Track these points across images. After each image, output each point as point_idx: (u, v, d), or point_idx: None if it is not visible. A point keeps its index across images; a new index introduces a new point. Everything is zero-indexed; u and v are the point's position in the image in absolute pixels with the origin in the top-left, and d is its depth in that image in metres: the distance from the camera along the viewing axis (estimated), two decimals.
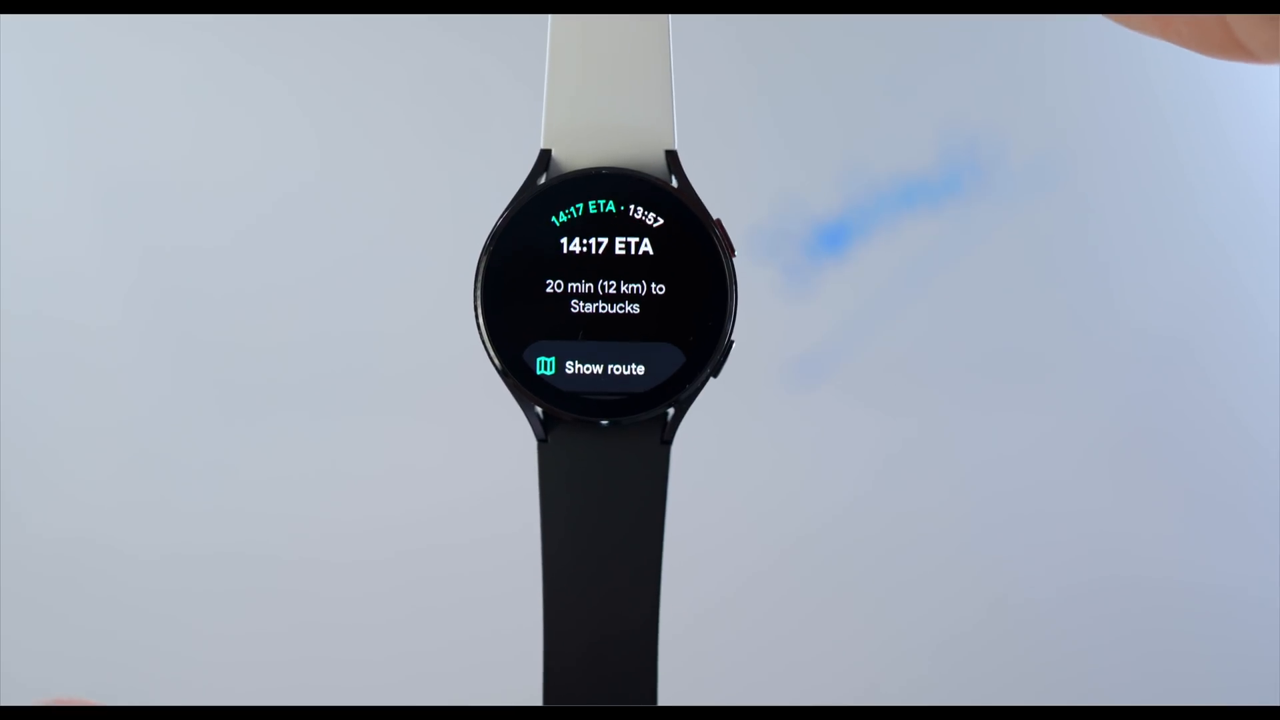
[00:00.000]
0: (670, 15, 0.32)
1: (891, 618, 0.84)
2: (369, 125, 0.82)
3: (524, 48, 0.72)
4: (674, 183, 0.32)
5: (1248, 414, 0.85)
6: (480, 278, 0.31)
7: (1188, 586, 0.84)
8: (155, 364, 0.82)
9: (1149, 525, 0.84)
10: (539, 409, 0.32)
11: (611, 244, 0.31)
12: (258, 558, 0.81)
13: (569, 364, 0.31)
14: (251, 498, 0.82)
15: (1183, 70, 0.84)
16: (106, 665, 0.81)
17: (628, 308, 0.31)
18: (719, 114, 0.82)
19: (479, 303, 0.31)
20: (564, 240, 0.31)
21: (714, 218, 0.32)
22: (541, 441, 0.32)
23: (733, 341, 0.32)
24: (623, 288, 0.31)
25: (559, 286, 0.31)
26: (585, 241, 0.31)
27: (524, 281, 0.31)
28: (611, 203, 0.31)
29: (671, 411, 0.32)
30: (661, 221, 0.31)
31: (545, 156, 0.32)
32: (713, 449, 0.80)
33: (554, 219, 0.31)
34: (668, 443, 0.32)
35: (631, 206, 0.31)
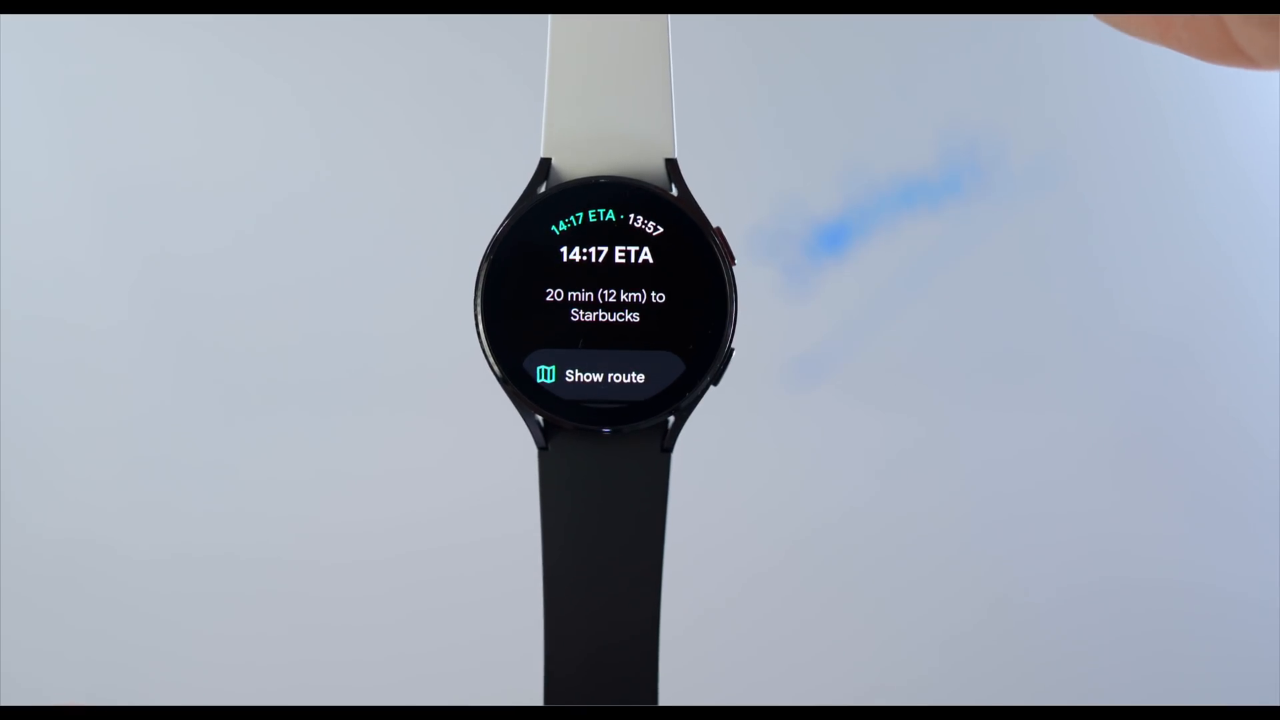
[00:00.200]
0: (670, 19, 0.32)
1: (892, 618, 0.84)
2: (370, 127, 0.82)
3: (527, 49, 0.72)
4: (674, 191, 0.32)
5: (1248, 415, 0.85)
6: (480, 286, 0.31)
7: (1188, 587, 0.84)
8: (156, 365, 0.82)
9: (1149, 526, 0.84)
10: (539, 417, 0.32)
11: (611, 253, 0.31)
12: (258, 559, 0.81)
13: (569, 372, 0.31)
14: (252, 499, 0.82)
15: (1182, 71, 0.83)
16: (106, 666, 0.81)
17: (628, 316, 0.31)
18: (719, 114, 0.82)
19: (479, 311, 0.31)
20: (564, 249, 0.31)
21: (714, 226, 0.32)
22: (542, 449, 0.32)
23: (733, 350, 0.32)
24: (623, 296, 0.31)
25: (559, 295, 0.31)
26: (585, 250, 0.31)
27: (524, 290, 0.31)
28: (611, 211, 0.31)
29: (672, 419, 0.32)
30: (661, 230, 0.31)
31: (545, 165, 0.32)
32: (713, 449, 0.80)
33: (554, 228, 0.31)
34: (668, 450, 0.32)
35: (631, 215, 0.31)
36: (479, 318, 0.31)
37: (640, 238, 0.31)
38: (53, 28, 0.80)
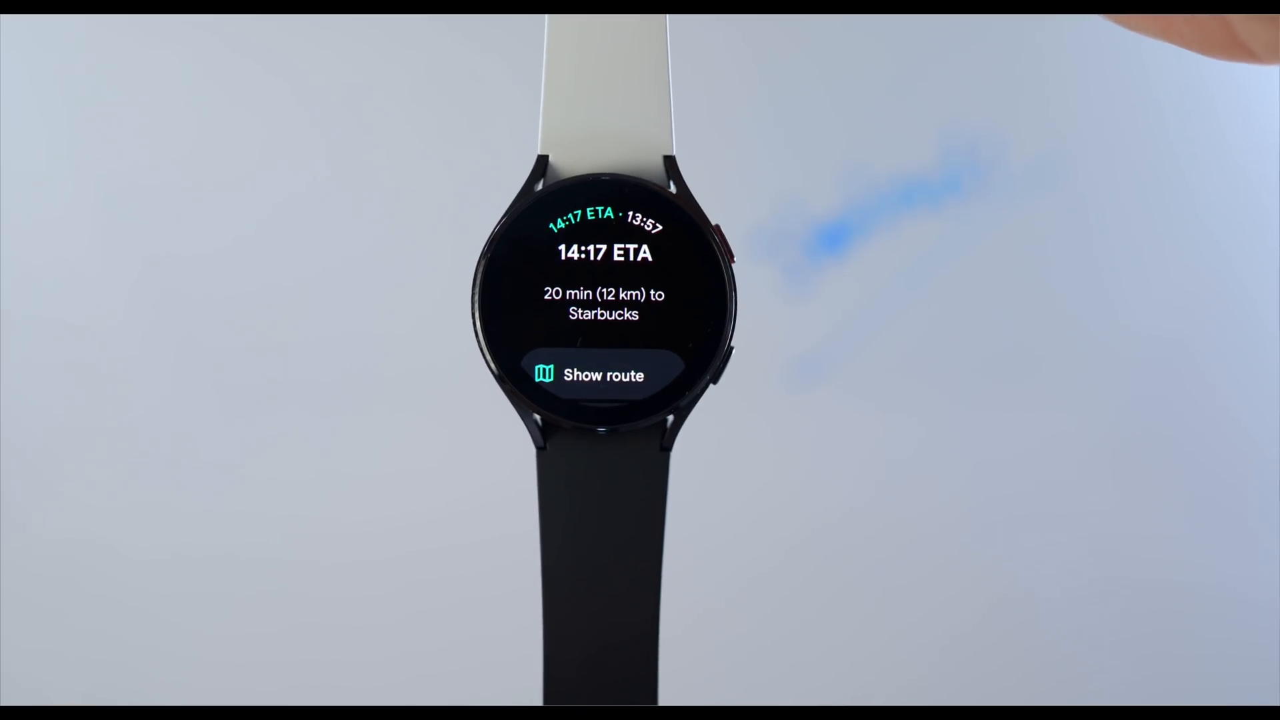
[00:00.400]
0: (669, 19, 0.32)
1: (892, 618, 0.84)
2: (369, 127, 0.82)
3: (525, 49, 0.72)
4: (672, 188, 0.32)
5: (1248, 415, 0.85)
6: (478, 285, 0.31)
7: (1188, 587, 0.84)
8: (156, 365, 0.81)
9: (1149, 526, 0.84)
10: (537, 416, 0.32)
11: (610, 250, 0.31)
12: (258, 559, 0.81)
13: (568, 371, 0.31)
14: (252, 499, 0.81)
15: (1183, 70, 0.83)
16: (106, 665, 0.81)
17: (626, 314, 0.31)
18: (719, 114, 0.82)
19: (477, 310, 0.31)
20: (562, 247, 0.31)
21: (713, 223, 0.31)
22: (540, 449, 0.32)
23: (732, 348, 0.31)
24: (621, 294, 0.31)
25: (557, 293, 0.31)
26: (584, 248, 0.31)
27: (522, 289, 0.31)
28: (610, 209, 0.31)
29: (671, 418, 0.32)
30: (660, 228, 0.31)
31: (543, 162, 0.32)
32: (712, 449, 0.80)
33: (552, 225, 0.31)
34: (667, 450, 0.32)
35: (630, 213, 0.31)
36: (476, 316, 0.31)
37: (639, 235, 0.31)
38: (52, 28, 0.80)
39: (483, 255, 0.31)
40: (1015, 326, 0.84)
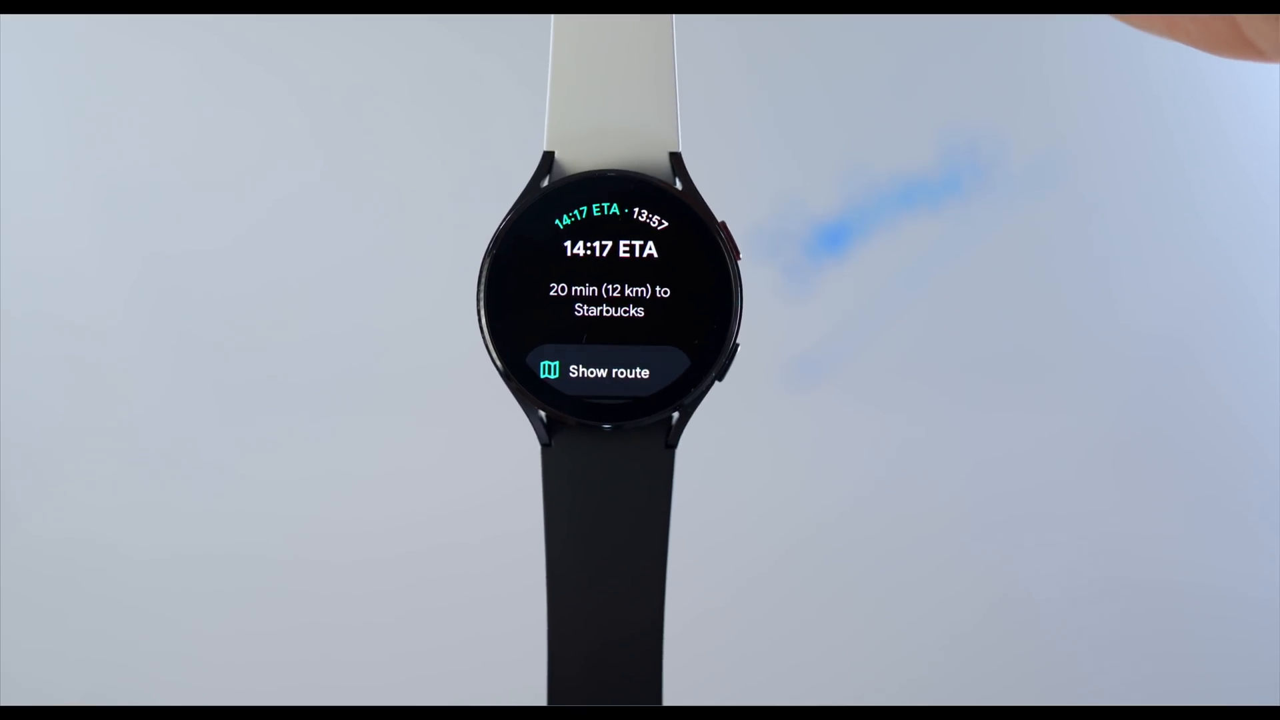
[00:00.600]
0: (674, 16, 0.32)
1: (892, 617, 0.84)
2: (370, 126, 0.82)
3: (527, 48, 0.72)
4: (678, 185, 0.32)
5: (1248, 415, 0.85)
6: (483, 281, 0.31)
7: (1188, 587, 0.84)
8: (155, 364, 0.81)
9: (1149, 525, 0.84)
10: (542, 413, 0.32)
11: (615, 247, 0.31)
12: (258, 558, 0.81)
13: (573, 368, 0.31)
14: (252, 498, 0.81)
15: (1183, 70, 0.83)
16: (106, 665, 0.81)
17: (632, 311, 0.31)
18: (719, 114, 0.82)
19: (482, 306, 0.31)
20: (568, 243, 0.31)
21: (719, 220, 0.31)
22: (545, 446, 0.32)
23: (738, 345, 0.31)
24: (627, 291, 0.31)
25: (563, 290, 0.31)
26: (589, 244, 0.31)
27: (528, 285, 0.31)
28: (615, 205, 0.31)
29: (676, 415, 0.32)
30: (666, 224, 0.31)
31: (548, 159, 0.32)
32: (712, 449, 0.80)
33: (558, 222, 0.31)
34: (672, 447, 0.32)
35: (635, 209, 0.31)
36: (482, 313, 0.31)
37: (644, 232, 0.31)
38: (52, 28, 0.80)
39: (488, 252, 0.31)
40: (1015, 326, 0.84)
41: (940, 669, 0.83)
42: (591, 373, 0.31)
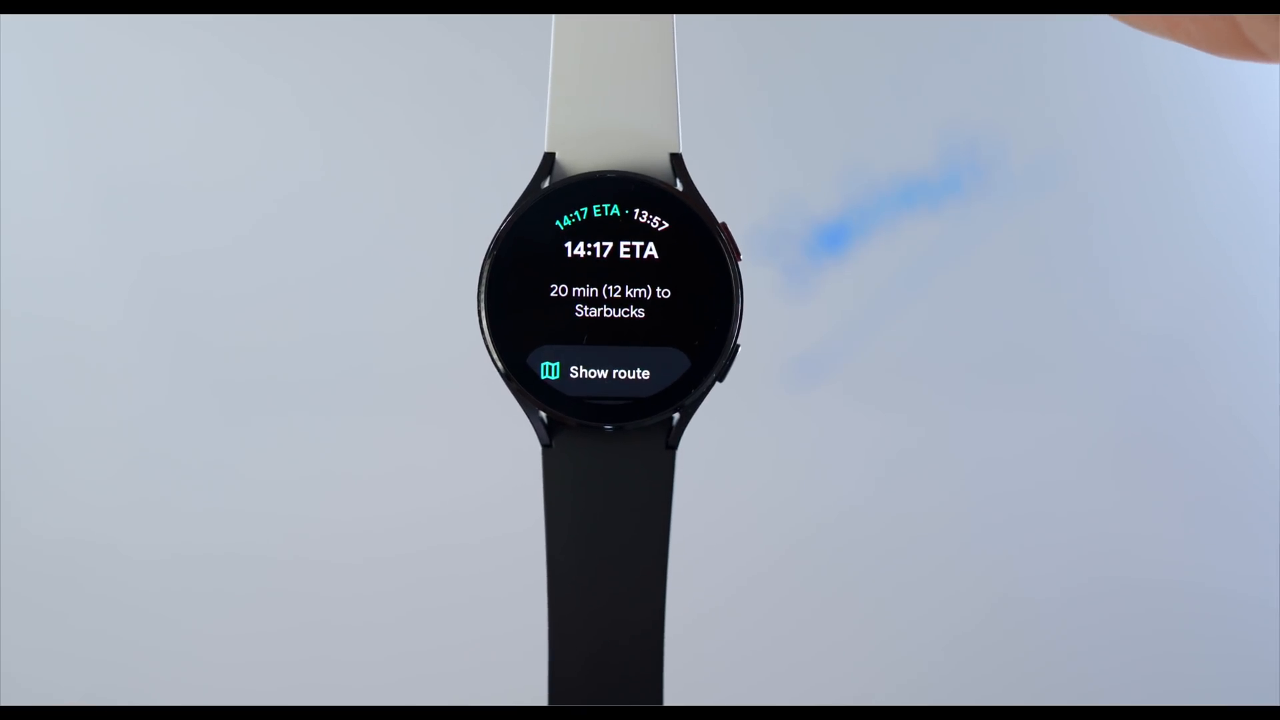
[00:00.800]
0: (675, 17, 0.32)
1: (892, 618, 0.84)
2: (371, 126, 0.82)
3: (528, 49, 0.72)
4: (679, 186, 0.32)
5: (1248, 415, 0.85)
6: (484, 282, 0.31)
7: (1188, 587, 0.84)
8: (155, 364, 0.81)
9: (1149, 525, 0.84)
10: (543, 414, 0.32)
11: (616, 248, 0.31)
12: (258, 558, 0.81)
13: (573, 369, 0.31)
14: (252, 498, 0.81)
15: (1183, 70, 0.83)
16: (106, 665, 0.81)
17: (632, 312, 0.31)
18: (718, 114, 0.82)
19: (483, 307, 0.31)
20: (568, 244, 0.31)
21: (719, 221, 0.31)
22: (546, 446, 0.32)
23: (738, 346, 0.31)
24: (627, 292, 0.31)
25: (563, 291, 0.31)
26: (590, 245, 0.31)
27: (528, 286, 0.31)
28: (616, 206, 0.31)
29: (676, 416, 0.32)
30: (666, 225, 0.31)
31: (549, 160, 0.32)
32: (712, 449, 0.80)
33: (558, 223, 0.31)
34: (673, 448, 0.32)
35: (636, 210, 0.31)
36: (483, 314, 0.31)
37: (645, 233, 0.31)
38: (52, 28, 0.80)
39: (489, 252, 0.31)
40: (1015, 327, 0.84)
41: (940, 669, 0.83)
42: (592, 373, 0.31)
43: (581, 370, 0.31)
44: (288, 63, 0.81)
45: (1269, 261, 0.84)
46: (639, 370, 0.31)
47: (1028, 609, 0.84)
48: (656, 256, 0.31)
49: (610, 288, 0.31)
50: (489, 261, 0.31)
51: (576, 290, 0.31)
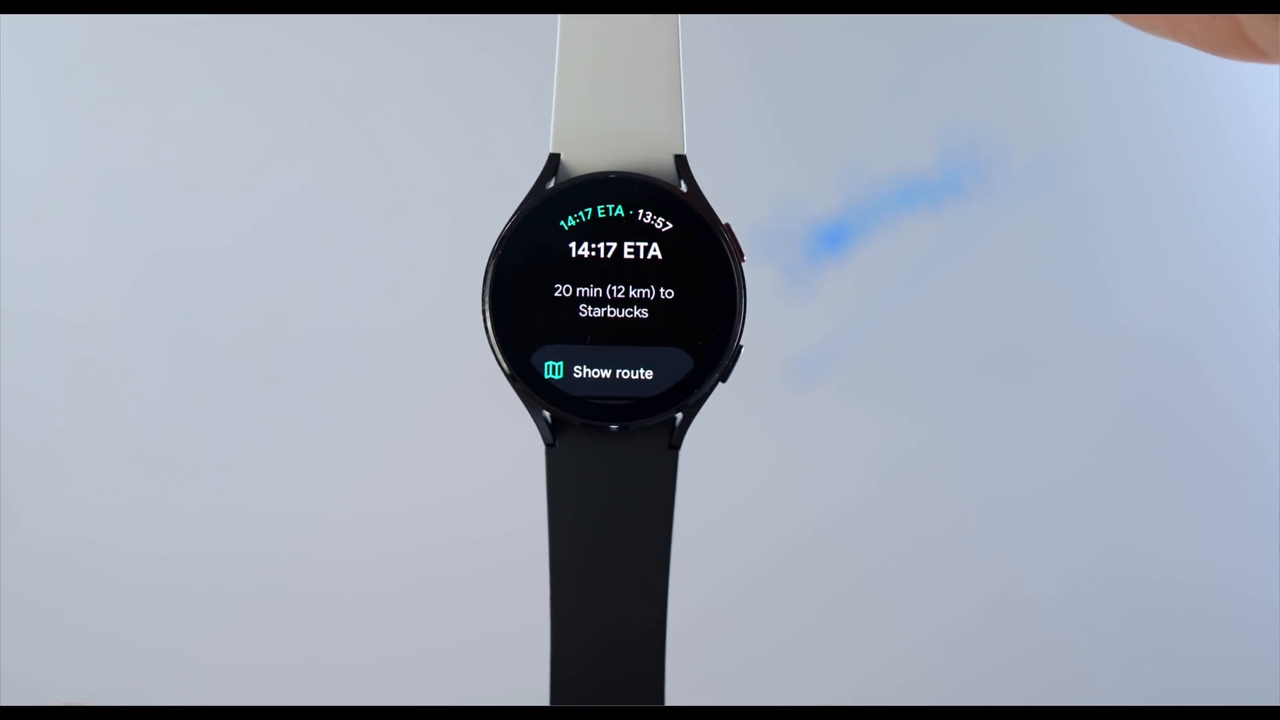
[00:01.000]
0: (680, 18, 0.32)
1: (892, 618, 0.84)
2: (373, 127, 0.82)
3: (531, 50, 0.72)
4: (683, 187, 0.32)
5: (1248, 415, 0.85)
6: (488, 282, 0.31)
7: (1188, 587, 0.84)
8: (155, 364, 0.81)
9: (1149, 525, 0.84)
10: (547, 413, 0.32)
11: (620, 248, 0.31)
12: (258, 558, 0.81)
13: (577, 368, 0.31)
14: (252, 498, 0.81)
15: (1183, 70, 0.84)
16: (106, 665, 0.81)
17: (636, 312, 0.31)
18: (719, 114, 0.82)
19: (487, 307, 0.31)
20: (572, 244, 0.31)
21: (723, 222, 0.32)
22: (549, 446, 0.32)
23: (741, 346, 0.31)
24: (631, 292, 0.31)
25: (567, 291, 0.31)
26: (594, 246, 0.31)
27: (532, 286, 0.31)
28: (620, 207, 0.31)
29: (680, 416, 0.32)
30: (670, 226, 0.31)
31: (554, 160, 0.32)
32: (712, 449, 0.80)
33: (563, 223, 0.31)
34: (676, 447, 0.32)
35: (640, 211, 0.31)
36: (487, 314, 0.31)
37: (649, 233, 0.31)
38: (52, 28, 0.80)
39: (494, 253, 0.31)
40: (1015, 327, 0.84)
41: (940, 669, 0.83)
42: (596, 373, 0.31)
43: (585, 370, 0.31)
44: (288, 63, 0.81)
45: (1269, 261, 0.84)
46: (642, 370, 0.31)
47: (1027, 609, 0.84)
48: (660, 257, 0.31)
49: (614, 288, 0.31)
50: (493, 261, 0.31)
51: (581, 290, 0.31)
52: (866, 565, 0.84)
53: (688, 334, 0.31)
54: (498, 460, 0.75)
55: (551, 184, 0.32)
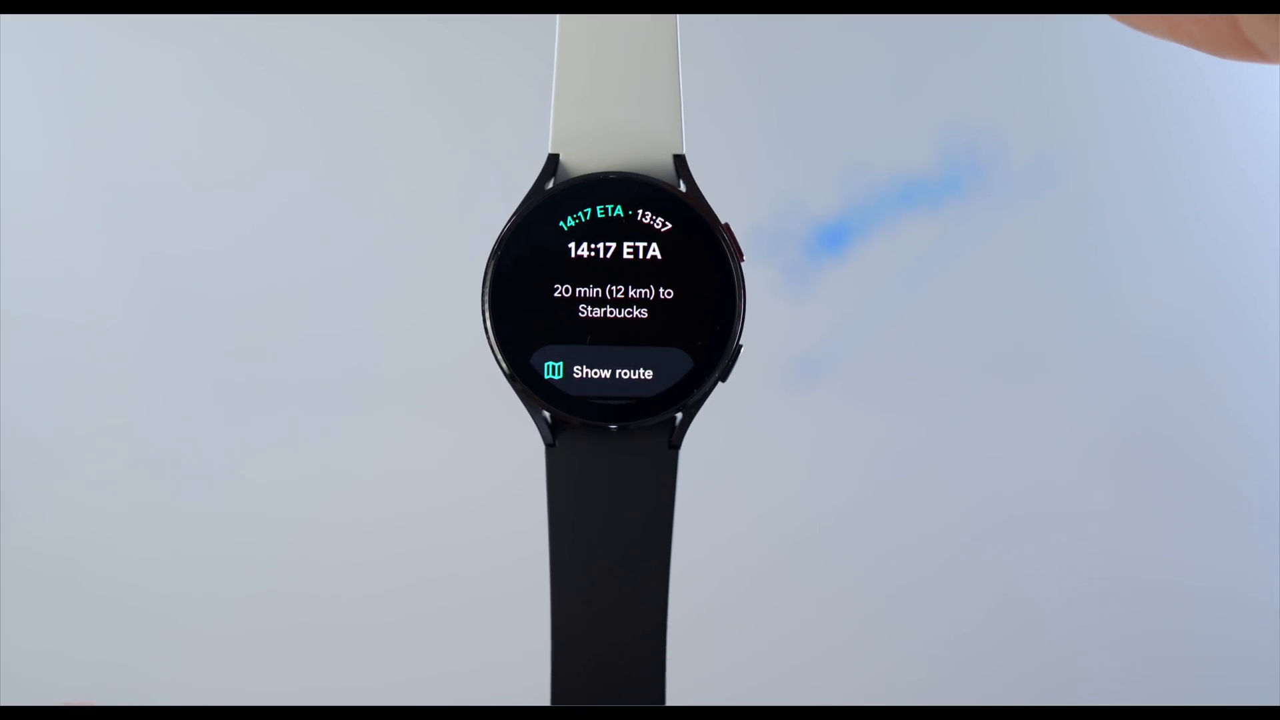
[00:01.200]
0: (679, 18, 0.32)
1: (892, 618, 0.84)
2: (372, 127, 0.82)
3: (531, 50, 0.72)
4: (682, 187, 0.32)
5: (1248, 415, 0.85)
6: (488, 282, 0.31)
7: (1188, 587, 0.84)
8: (156, 365, 0.81)
9: (1149, 526, 0.84)
10: (547, 414, 0.32)
11: (619, 248, 0.31)
12: (259, 559, 0.81)
13: (577, 369, 0.31)
14: (252, 499, 0.81)
15: (1183, 70, 0.84)
16: (106, 666, 0.81)
17: (636, 312, 0.31)
18: (719, 114, 0.82)
19: (487, 307, 0.31)
20: (572, 245, 0.31)
21: (723, 222, 0.32)
22: (549, 446, 0.32)
23: (741, 346, 0.31)
24: (631, 292, 0.31)
25: (567, 291, 0.31)
26: (593, 246, 0.31)
27: (532, 286, 0.31)
28: (619, 207, 0.31)
29: (679, 416, 0.32)
30: (670, 226, 0.31)
31: (553, 161, 0.32)
32: (712, 449, 0.80)
33: (562, 223, 0.31)
34: (676, 447, 0.32)
35: (639, 211, 0.31)
36: (487, 314, 0.31)
37: (649, 234, 0.31)
38: (53, 28, 0.80)
39: (493, 253, 0.31)
40: (1015, 326, 0.84)
41: (941, 669, 0.83)
42: (595, 373, 0.31)
43: (585, 370, 0.31)
44: (289, 63, 0.81)
45: (1269, 261, 0.84)
46: (642, 370, 0.31)
47: (1028, 609, 0.84)
48: (660, 257, 0.31)
49: (614, 288, 0.31)
50: (493, 262, 0.31)
51: (580, 290, 0.31)
52: (866, 565, 0.84)
53: (687, 334, 0.31)
54: (498, 461, 0.75)
55: (551, 184, 0.32)
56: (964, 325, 0.84)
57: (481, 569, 0.81)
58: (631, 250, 0.31)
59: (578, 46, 0.32)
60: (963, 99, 0.84)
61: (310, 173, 0.82)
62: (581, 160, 0.32)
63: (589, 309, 0.31)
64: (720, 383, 0.31)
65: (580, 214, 0.31)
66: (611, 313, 0.31)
